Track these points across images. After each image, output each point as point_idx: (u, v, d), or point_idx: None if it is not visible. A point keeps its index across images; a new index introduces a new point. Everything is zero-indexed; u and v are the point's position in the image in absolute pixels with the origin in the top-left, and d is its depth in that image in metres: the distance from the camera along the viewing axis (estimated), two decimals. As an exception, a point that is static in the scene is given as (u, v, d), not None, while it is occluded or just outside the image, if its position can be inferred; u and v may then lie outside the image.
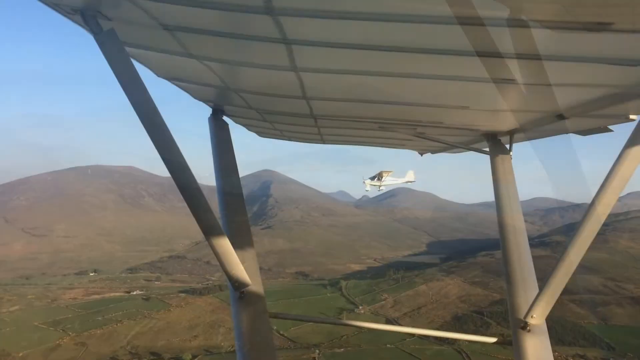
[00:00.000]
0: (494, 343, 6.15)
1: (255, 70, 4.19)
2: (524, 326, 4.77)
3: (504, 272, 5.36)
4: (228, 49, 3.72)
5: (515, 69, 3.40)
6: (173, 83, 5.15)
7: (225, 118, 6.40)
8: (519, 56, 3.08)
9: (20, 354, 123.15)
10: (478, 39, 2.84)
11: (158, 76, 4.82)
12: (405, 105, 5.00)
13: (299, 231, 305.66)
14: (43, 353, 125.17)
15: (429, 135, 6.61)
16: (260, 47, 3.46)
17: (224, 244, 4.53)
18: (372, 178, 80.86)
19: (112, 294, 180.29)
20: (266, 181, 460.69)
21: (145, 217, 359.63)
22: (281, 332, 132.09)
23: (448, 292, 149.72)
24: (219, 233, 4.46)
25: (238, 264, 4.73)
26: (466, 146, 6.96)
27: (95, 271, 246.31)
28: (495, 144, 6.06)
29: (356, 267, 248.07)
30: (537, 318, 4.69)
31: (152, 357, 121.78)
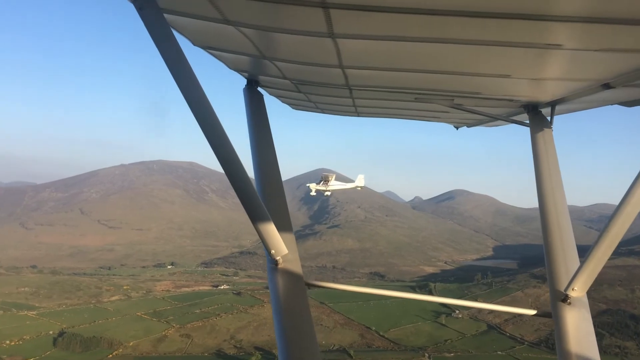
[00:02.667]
0: (534, 315, 5.86)
1: (291, 37, 4.02)
2: (565, 299, 4.61)
3: (544, 243, 5.16)
4: (264, 13, 3.58)
5: (560, 32, 3.22)
6: (208, 52, 5.00)
7: (260, 90, 6.22)
8: (564, 19, 2.91)
9: (131, 344, 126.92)
10: (521, 0, 2.71)
11: (194, 45, 4.71)
12: (443, 74, 4.79)
13: (367, 231, 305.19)
14: (152, 343, 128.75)
15: (466, 107, 6.26)
16: (297, 12, 3.35)
17: (262, 213, 4.47)
18: (318, 182, 77.07)
19: (200, 288, 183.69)
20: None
21: (211, 212, 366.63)
22: (381, 333, 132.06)
23: (548, 300, 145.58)
24: (256, 202, 4.42)
25: (275, 233, 4.67)
26: (505, 118, 6.71)
27: (172, 264, 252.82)
28: (536, 115, 5.79)
29: (429, 269, 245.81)
30: (579, 290, 4.54)
31: (258, 352, 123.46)
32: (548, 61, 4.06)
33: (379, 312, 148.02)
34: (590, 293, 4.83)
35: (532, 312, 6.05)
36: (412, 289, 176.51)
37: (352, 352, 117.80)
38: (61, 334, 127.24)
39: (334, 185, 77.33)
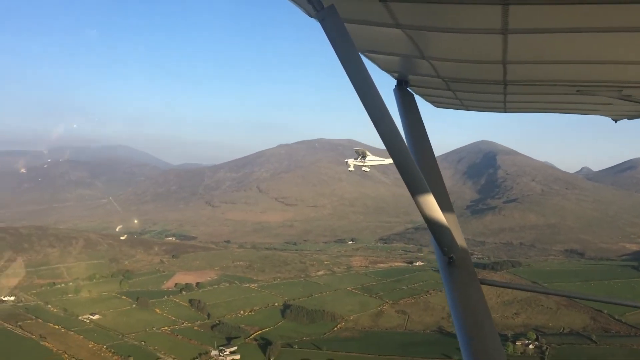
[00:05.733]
0: None
1: (456, 36, 4.06)
2: None
3: None
4: (436, 15, 3.72)
5: None
6: (363, 54, 5.00)
7: (409, 89, 6.24)
8: None
9: (351, 317, 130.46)
10: None
11: None
12: (610, 64, 4.53)
13: (549, 205, 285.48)
14: (370, 318, 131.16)
15: (636, 98, 5.66)
16: (472, 10, 3.44)
17: (434, 210, 4.47)
18: (356, 158, 76.71)
19: (395, 264, 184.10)
20: (489, 152, 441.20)
21: (377, 188, 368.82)
22: (617, 317, 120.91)
23: None
24: (429, 200, 4.45)
25: (447, 230, 4.69)
26: None
27: (352, 240, 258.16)
28: None
29: (632, 246, 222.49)
30: None
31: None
32: None
33: (603, 293, 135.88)
34: None
35: None
36: (635, 269, 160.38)
37: (594, 337, 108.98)
38: (287, 306, 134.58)
39: (372, 160, 77.87)
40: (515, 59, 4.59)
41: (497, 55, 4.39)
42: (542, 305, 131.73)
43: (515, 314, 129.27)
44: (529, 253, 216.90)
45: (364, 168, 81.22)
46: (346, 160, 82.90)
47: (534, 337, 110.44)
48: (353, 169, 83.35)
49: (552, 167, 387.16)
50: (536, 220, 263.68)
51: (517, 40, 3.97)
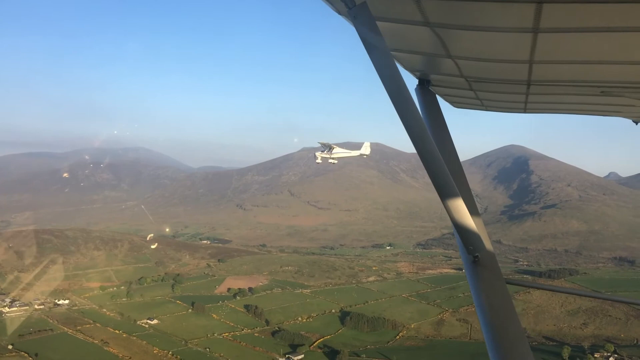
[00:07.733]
0: None
1: (485, 34, 4.06)
2: None
3: None
4: (467, 13, 3.73)
5: None
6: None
7: (430, 88, 6.21)
8: None
9: (412, 326, 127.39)
10: None
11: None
12: (638, 64, 4.46)
13: (590, 211, 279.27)
14: (432, 326, 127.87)
15: None
16: (505, 9, 3.45)
17: (460, 209, 4.49)
18: (322, 150, 79.63)
19: (444, 270, 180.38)
20: (520, 157, 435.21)
21: (408, 192, 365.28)
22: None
23: None
24: (456, 199, 4.47)
25: (474, 229, 4.70)
26: None
27: (390, 245, 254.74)
28: None
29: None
30: None
31: (551, 343, 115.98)
32: None
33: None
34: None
35: None
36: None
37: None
38: (345, 313, 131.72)
39: (339, 152, 79.63)
40: (542, 59, 4.50)
41: (524, 55, 4.33)
42: (610, 315, 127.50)
43: (583, 324, 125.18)
44: (576, 260, 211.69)
45: (330, 160, 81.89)
46: (315, 152, 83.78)
47: (612, 349, 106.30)
48: (320, 161, 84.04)
49: (587, 173, 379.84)
50: (578, 227, 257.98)
51: (547, 40, 3.93)
